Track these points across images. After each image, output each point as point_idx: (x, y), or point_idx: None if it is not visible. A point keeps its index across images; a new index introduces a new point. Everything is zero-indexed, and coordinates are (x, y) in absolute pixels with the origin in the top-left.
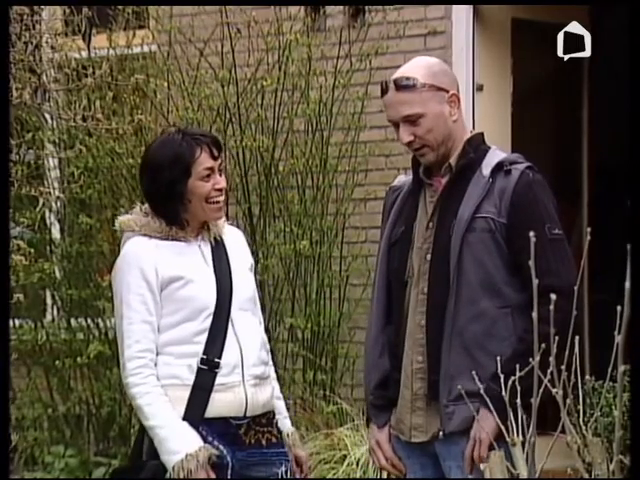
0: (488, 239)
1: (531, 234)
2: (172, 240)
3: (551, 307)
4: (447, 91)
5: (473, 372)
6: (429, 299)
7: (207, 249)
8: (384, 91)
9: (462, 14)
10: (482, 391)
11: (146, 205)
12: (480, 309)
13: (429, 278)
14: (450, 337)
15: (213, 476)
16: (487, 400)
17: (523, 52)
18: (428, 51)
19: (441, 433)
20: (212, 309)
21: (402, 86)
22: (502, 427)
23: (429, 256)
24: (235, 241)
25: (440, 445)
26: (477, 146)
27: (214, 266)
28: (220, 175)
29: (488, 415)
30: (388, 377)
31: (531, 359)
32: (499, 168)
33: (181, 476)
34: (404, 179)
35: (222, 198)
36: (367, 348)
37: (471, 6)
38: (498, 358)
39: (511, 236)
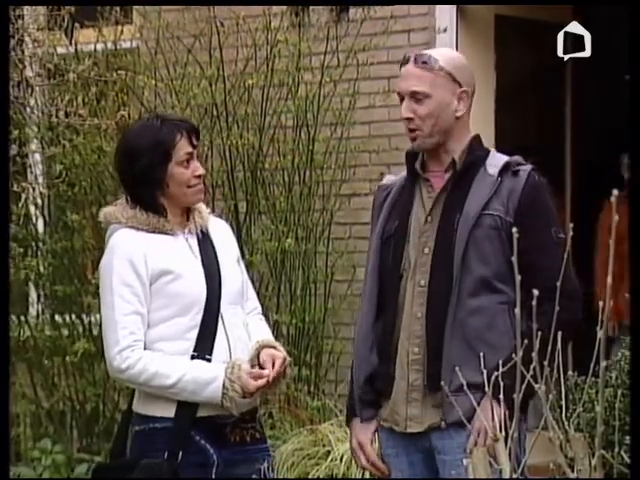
0: (494, 236)
1: (514, 230)
2: (159, 233)
3: (527, 309)
4: (460, 85)
5: (476, 363)
6: (430, 291)
7: (194, 242)
8: (404, 62)
9: (445, 11)
10: (484, 382)
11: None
12: (480, 303)
13: (431, 271)
14: (451, 329)
15: (266, 374)
16: (488, 391)
17: (506, 49)
18: (412, 47)
19: (443, 423)
20: (202, 305)
21: (422, 61)
22: (490, 421)
23: (427, 249)
24: (221, 233)
25: (436, 438)
26: (481, 145)
27: (202, 259)
28: (198, 162)
29: (490, 406)
30: (377, 372)
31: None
32: (506, 168)
33: (238, 389)
34: (393, 178)
35: (201, 184)
36: (357, 342)
37: None
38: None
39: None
